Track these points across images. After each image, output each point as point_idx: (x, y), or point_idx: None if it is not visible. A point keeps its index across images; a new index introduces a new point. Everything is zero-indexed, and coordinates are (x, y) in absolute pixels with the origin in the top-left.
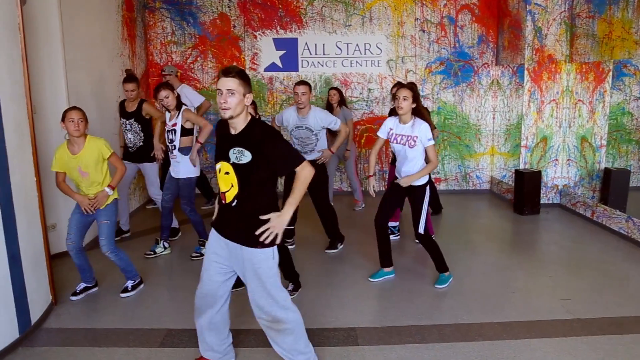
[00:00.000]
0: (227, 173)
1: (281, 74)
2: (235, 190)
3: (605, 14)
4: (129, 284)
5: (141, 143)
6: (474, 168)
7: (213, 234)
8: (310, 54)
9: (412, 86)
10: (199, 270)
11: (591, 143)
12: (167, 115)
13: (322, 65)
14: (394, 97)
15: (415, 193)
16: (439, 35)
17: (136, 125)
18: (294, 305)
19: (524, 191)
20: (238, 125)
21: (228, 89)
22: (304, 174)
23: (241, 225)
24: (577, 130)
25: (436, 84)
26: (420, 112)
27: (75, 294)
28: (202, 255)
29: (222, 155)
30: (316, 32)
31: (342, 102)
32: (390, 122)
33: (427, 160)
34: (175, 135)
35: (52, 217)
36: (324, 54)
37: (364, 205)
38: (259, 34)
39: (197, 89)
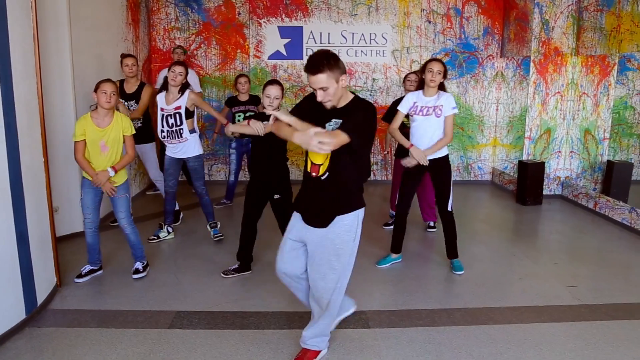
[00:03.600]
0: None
1: (285, 62)
2: (327, 163)
3: (614, 8)
4: (139, 265)
5: (140, 124)
6: (476, 159)
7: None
8: (315, 43)
9: (443, 62)
10: (202, 253)
11: (594, 136)
12: (161, 99)
13: None
14: (425, 70)
15: (441, 170)
16: (445, 27)
17: (136, 106)
18: None
19: (527, 182)
20: (340, 103)
21: (321, 87)
22: (338, 135)
23: (324, 202)
24: (581, 123)
25: None
26: (444, 87)
27: (80, 276)
28: (222, 236)
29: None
30: (322, 21)
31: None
32: (413, 96)
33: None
34: (181, 119)
35: (54, 200)
36: (329, 43)
37: None
38: (264, 22)
39: (200, 76)
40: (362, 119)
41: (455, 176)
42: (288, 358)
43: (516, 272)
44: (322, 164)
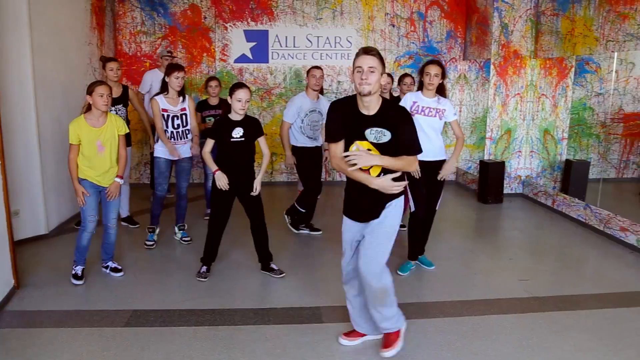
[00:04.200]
0: (368, 150)
1: (251, 65)
2: (379, 167)
3: (569, 12)
4: (114, 264)
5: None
6: None
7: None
8: (281, 46)
9: (441, 63)
10: (163, 253)
11: (553, 135)
12: (163, 101)
13: (292, 58)
14: (423, 73)
15: (438, 172)
16: (409, 30)
17: (124, 110)
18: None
19: (488, 181)
20: (372, 105)
21: (370, 67)
22: (412, 162)
23: (375, 199)
24: (540, 123)
25: None
26: (443, 89)
27: (78, 277)
28: (191, 240)
29: (354, 135)
30: (287, 25)
31: (321, 91)
32: (412, 96)
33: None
34: (187, 119)
35: (14, 204)
36: (294, 47)
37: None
38: (230, 26)
39: None
40: (412, 130)
41: None
42: (239, 353)
43: (472, 267)
44: (369, 169)
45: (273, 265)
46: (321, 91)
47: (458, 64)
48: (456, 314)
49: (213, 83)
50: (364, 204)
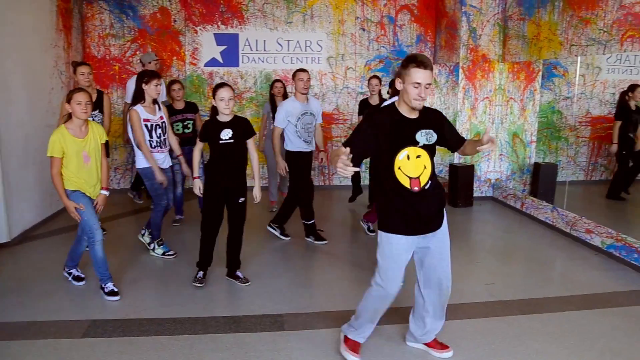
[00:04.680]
0: (419, 156)
1: (221, 69)
2: (429, 171)
3: (534, 17)
4: (78, 272)
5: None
6: None
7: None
8: (251, 50)
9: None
10: (125, 261)
11: (522, 139)
12: (142, 110)
13: (263, 61)
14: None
15: None
16: (379, 34)
17: (100, 116)
18: None
19: (458, 184)
20: (414, 111)
21: (427, 83)
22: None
23: (435, 207)
24: (509, 127)
25: None
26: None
27: (114, 293)
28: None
29: (406, 140)
30: (257, 29)
31: (285, 96)
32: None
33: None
34: (166, 128)
35: None
36: (264, 50)
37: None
38: (200, 29)
39: None
40: (454, 127)
41: None
42: None
43: None
44: (419, 176)
45: (238, 273)
46: (286, 96)
47: None
48: None
49: (176, 86)
50: (430, 211)
